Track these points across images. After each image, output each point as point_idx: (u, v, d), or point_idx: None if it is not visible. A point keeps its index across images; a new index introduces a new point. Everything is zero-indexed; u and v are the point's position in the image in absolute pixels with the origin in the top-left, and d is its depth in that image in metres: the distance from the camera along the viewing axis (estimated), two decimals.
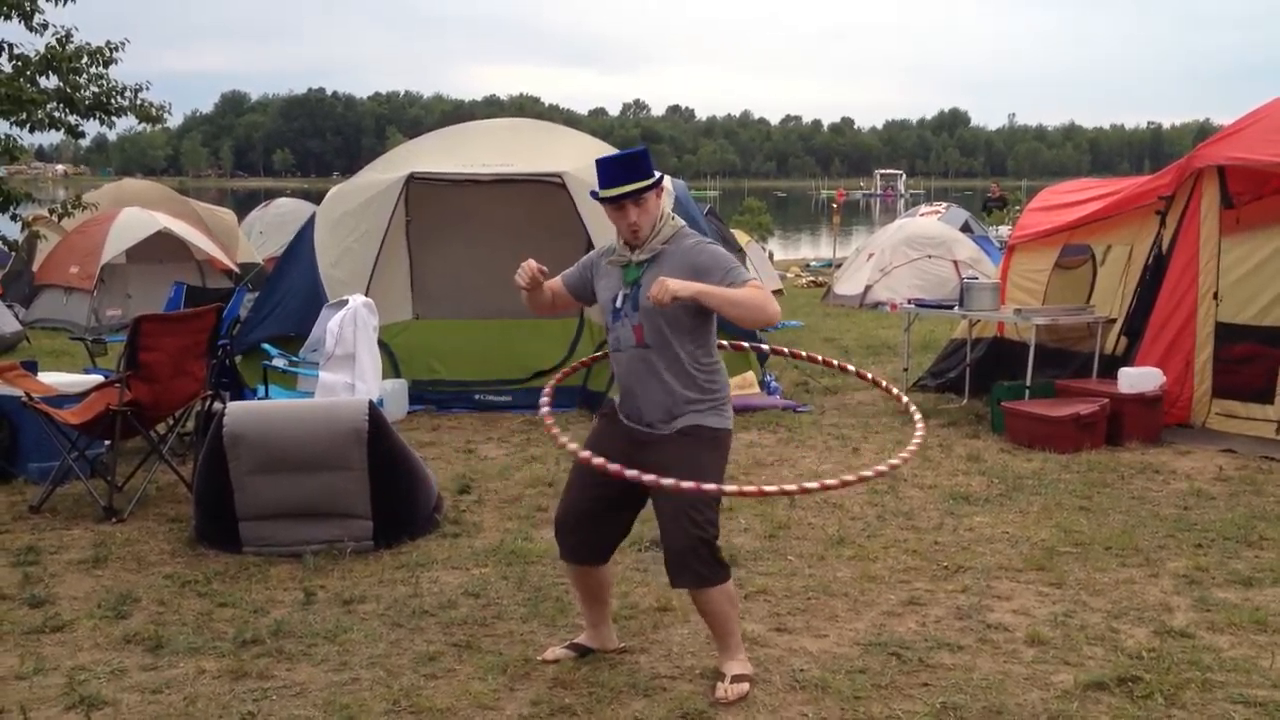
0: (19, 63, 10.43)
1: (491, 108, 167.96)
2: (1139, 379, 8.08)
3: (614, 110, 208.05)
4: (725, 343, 4.53)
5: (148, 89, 11.35)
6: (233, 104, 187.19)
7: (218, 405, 6.84)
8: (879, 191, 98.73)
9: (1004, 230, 22.09)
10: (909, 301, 11.09)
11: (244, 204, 31.97)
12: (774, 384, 9.85)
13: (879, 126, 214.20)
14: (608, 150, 8.54)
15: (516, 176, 9.52)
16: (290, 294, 9.36)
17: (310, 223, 9.96)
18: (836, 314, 16.53)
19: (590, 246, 7.65)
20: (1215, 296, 8.28)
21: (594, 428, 4.38)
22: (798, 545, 5.86)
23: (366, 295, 8.43)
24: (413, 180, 9.47)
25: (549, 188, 9.35)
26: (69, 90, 10.66)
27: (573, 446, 3.95)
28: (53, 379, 7.36)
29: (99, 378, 7.34)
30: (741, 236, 18.76)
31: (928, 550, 5.76)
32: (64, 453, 6.52)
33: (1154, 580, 5.32)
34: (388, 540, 5.75)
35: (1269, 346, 8.03)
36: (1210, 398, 8.28)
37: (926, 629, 4.73)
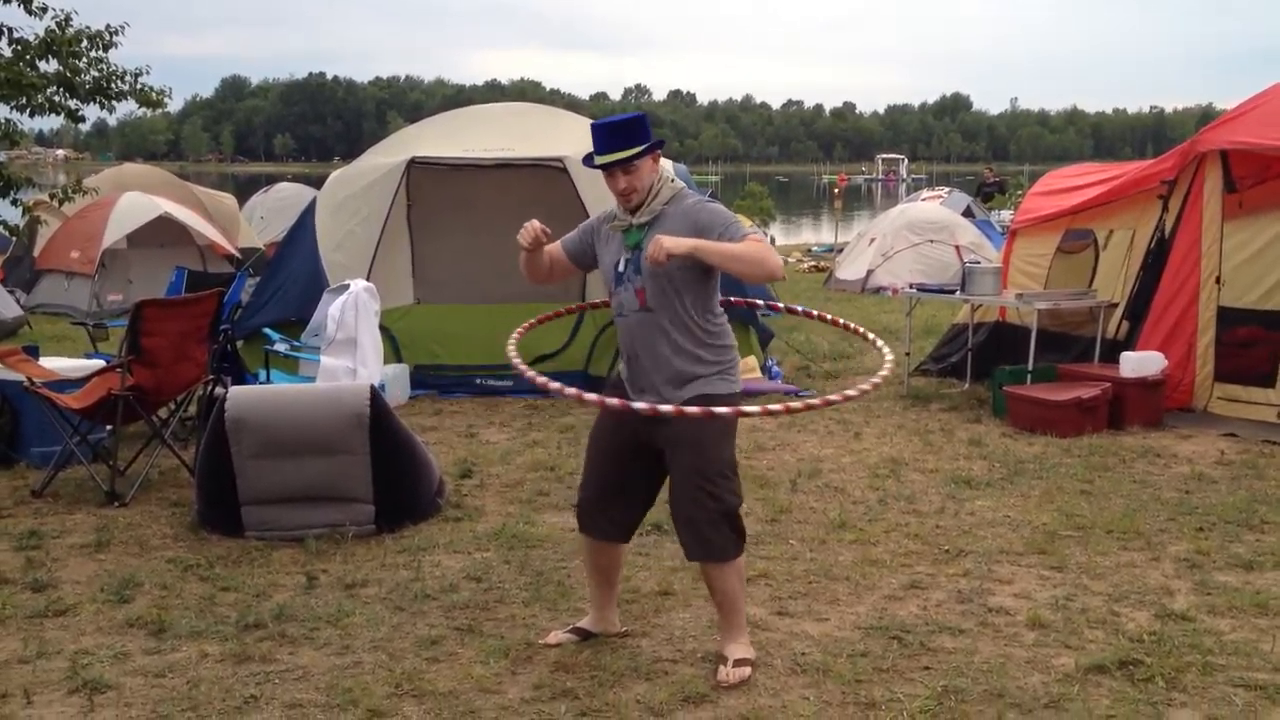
0: (18, 46, 10.39)
1: (493, 92, 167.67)
2: (1141, 363, 8.07)
3: (615, 95, 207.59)
4: (732, 299, 4.53)
5: (148, 73, 11.31)
6: (233, 88, 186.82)
7: (219, 390, 6.84)
8: (881, 176, 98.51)
9: (1006, 215, 22.05)
10: (911, 286, 11.08)
11: (245, 189, 31.93)
12: (775, 368, 9.84)
13: (881, 111, 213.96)
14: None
15: (518, 161, 9.50)
16: (291, 279, 9.36)
17: (311, 207, 9.95)
18: (838, 299, 16.51)
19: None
20: (1217, 280, 8.27)
21: (602, 412, 4.37)
22: (799, 529, 5.86)
23: (368, 280, 8.42)
24: (414, 165, 9.45)
25: (550, 172, 9.33)
26: (69, 74, 10.62)
27: (557, 385, 3.88)
28: (54, 364, 7.36)
29: (101, 362, 7.34)
30: (744, 221, 18.69)
31: (929, 534, 5.77)
32: (66, 437, 6.53)
33: (1155, 564, 5.33)
34: (390, 524, 5.75)
35: (1271, 330, 8.02)
36: (1212, 382, 8.28)
37: (928, 612, 4.73)
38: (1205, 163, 8.33)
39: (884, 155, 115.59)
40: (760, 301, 5.22)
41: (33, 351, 7.60)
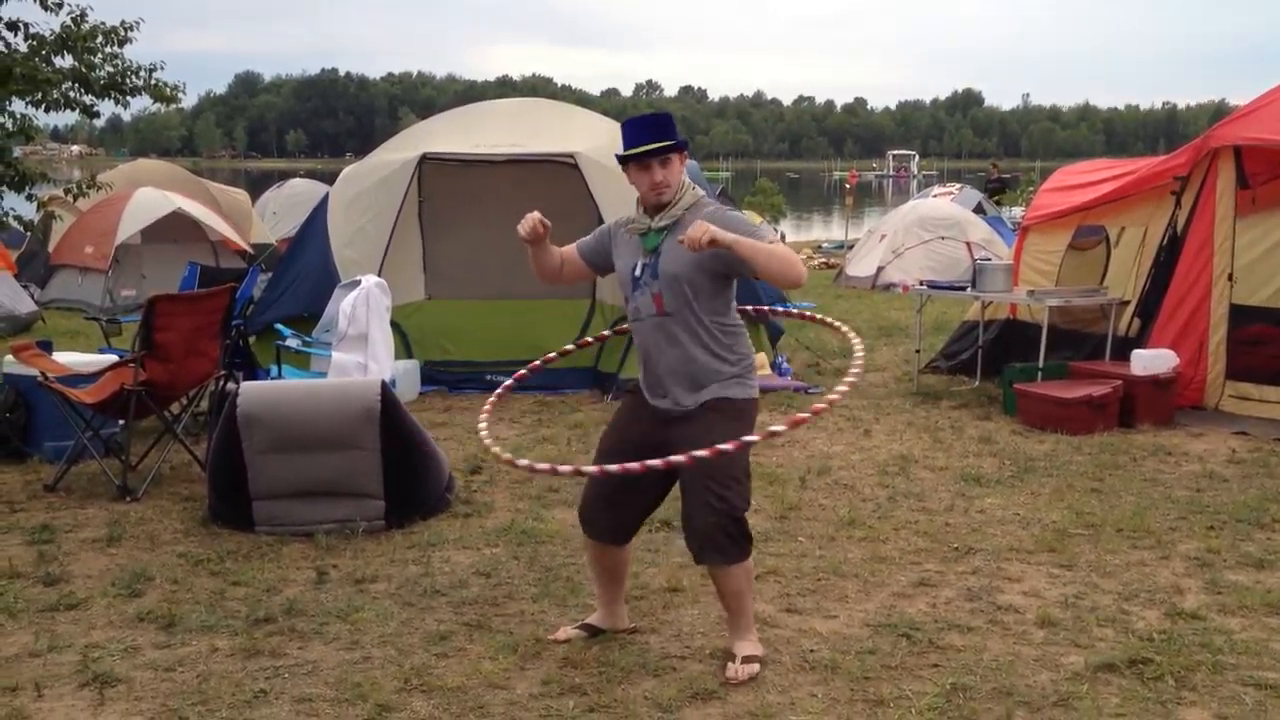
0: (34, 42, 10.42)
1: (504, 88, 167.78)
2: (1152, 361, 8.05)
3: (626, 91, 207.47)
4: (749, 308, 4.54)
5: (162, 69, 11.32)
6: (246, 85, 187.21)
7: (231, 385, 6.86)
8: (892, 172, 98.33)
9: (1017, 211, 21.99)
10: (921, 283, 11.05)
11: (258, 185, 32.00)
12: (785, 365, 9.84)
13: (892, 107, 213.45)
14: (620, 130, 8.52)
15: (529, 157, 9.50)
16: (303, 274, 9.38)
17: (323, 203, 9.97)
18: (849, 295, 16.49)
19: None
20: (1230, 278, 8.23)
21: (618, 410, 4.40)
22: (808, 526, 5.86)
23: (379, 276, 8.44)
24: (425, 161, 9.47)
25: (562, 168, 9.34)
26: (84, 70, 10.63)
27: (522, 462, 4.03)
28: (68, 359, 7.39)
29: (113, 357, 7.37)
30: (754, 218, 18.70)
31: (938, 532, 5.76)
32: (79, 432, 6.56)
33: (1165, 562, 5.31)
34: (399, 520, 5.77)
35: None
36: (1224, 380, 8.25)
37: (937, 610, 4.73)
38: (1218, 159, 8.29)
39: (895, 151, 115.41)
40: (749, 308, 5.12)
41: (46, 346, 7.62)
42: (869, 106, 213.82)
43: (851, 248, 20.45)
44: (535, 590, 4.96)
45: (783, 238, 23.64)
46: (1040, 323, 8.73)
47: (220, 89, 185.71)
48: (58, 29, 10.49)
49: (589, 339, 5.06)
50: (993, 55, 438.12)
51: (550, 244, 4.25)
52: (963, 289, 9.68)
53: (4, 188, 9.76)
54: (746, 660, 4.13)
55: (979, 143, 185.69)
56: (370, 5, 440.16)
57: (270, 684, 4.05)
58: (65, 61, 10.72)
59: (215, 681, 4.07)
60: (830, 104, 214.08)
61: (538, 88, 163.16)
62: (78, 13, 10.55)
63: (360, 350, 7.73)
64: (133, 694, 3.99)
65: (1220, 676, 4.09)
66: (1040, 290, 9.02)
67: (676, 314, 4.06)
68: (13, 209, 10.10)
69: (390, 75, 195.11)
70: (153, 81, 11.26)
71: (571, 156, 9.24)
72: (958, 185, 24.41)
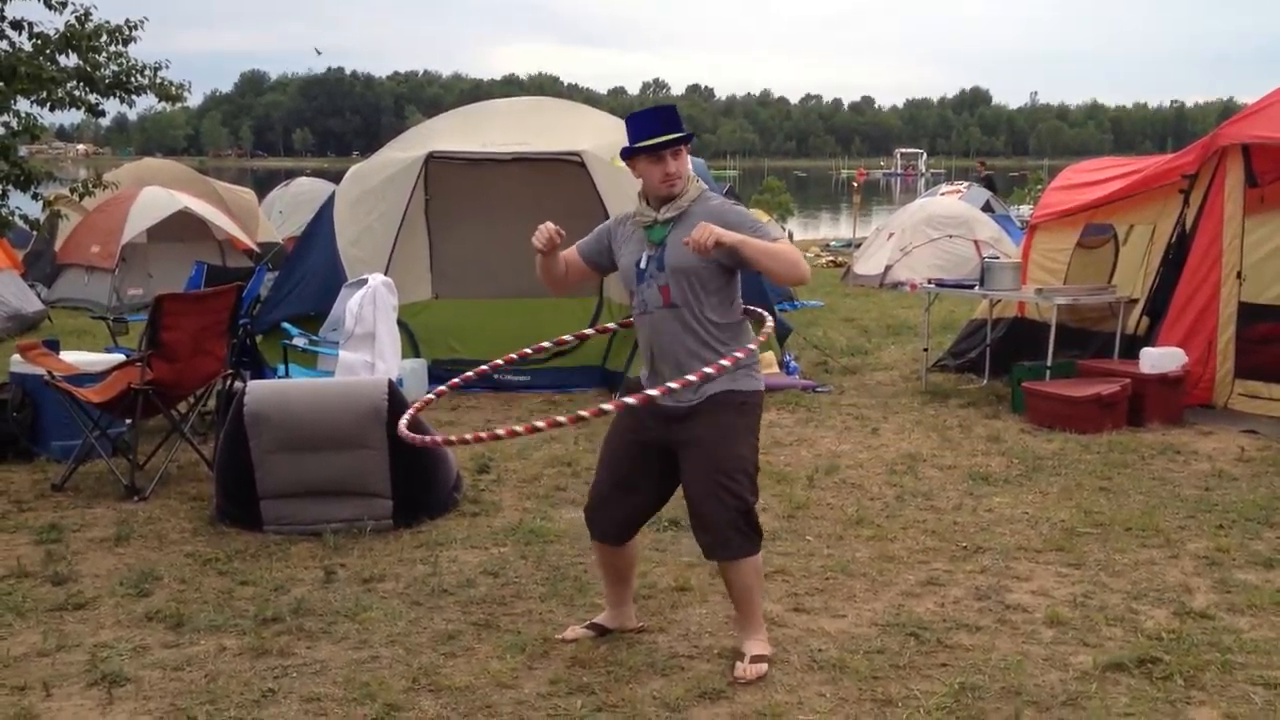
0: (39, 41, 10.43)
1: (510, 87, 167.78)
2: (1161, 359, 8.02)
3: (633, 89, 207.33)
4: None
5: (167, 68, 11.33)
6: (252, 84, 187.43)
7: (238, 384, 6.86)
8: (899, 171, 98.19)
9: (1025, 209, 21.93)
10: (929, 281, 11.03)
11: (264, 183, 32.03)
12: (793, 364, 9.83)
13: (900, 105, 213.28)
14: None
15: (535, 155, 9.50)
16: (310, 273, 9.38)
17: (330, 202, 9.97)
18: (856, 294, 16.47)
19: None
20: (1238, 276, 8.21)
21: (618, 415, 4.36)
22: (816, 525, 5.85)
23: (386, 274, 8.43)
24: (432, 159, 9.47)
25: (568, 167, 9.33)
26: (89, 69, 10.65)
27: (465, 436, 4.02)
28: (75, 358, 7.40)
29: (120, 357, 7.38)
30: (761, 216, 18.57)
31: (947, 531, 5.75)
32: (86, 431, 6.57)
33: (1174, 561, 5.30)
34: (407, 519, 5.77)
35: None
36: (1232, 378, 8.22)
37: (945, 609, 4.72)
38: (1226, 157, 8.27)
39: (903, 150, 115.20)
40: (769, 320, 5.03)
41: (53, 345, 7.63)
42: (876, 105, 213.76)
43: (859, 246, 20.40)
44: (543, 590, 4.96)
45: (790, 236, 23.61)
46: (1048, 321, 8.71)
47: (226, 88, 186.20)
48: (62, 28, 10.50)
49: (588, 331, 4.98)
50: (1000, 54, 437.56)
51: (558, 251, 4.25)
52: (971, 287, 9.66)
53: (10, 187, 9.78)
54: (755, 659, 4.12)
55: (987, 141, 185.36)
56: (376, 5, 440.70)
57: (278, 683, 4.05)
58: (70, 60, 10.73)
59: (223, 681, 4.07)
60: (838, 102, 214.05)
61: (544, 86, 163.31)
62: (82, 11, 10.56)
63: (367, 349, 7.72)
64: (141, 693, 4.00)
65: (1229, 676, 4.08)
66: (1048, 288, 9.00)
67: (684, 306, 4.05)
68: (18, 208, 10.12)
69: (396, 74, 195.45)
70: (158, 80, 11.27)
71: (578, 155, 9.23)
72: (965, 183, 24.35)
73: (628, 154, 4.13)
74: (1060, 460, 7.07)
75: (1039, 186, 23.53)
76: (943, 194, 21.72)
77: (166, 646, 4.38)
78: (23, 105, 10.56)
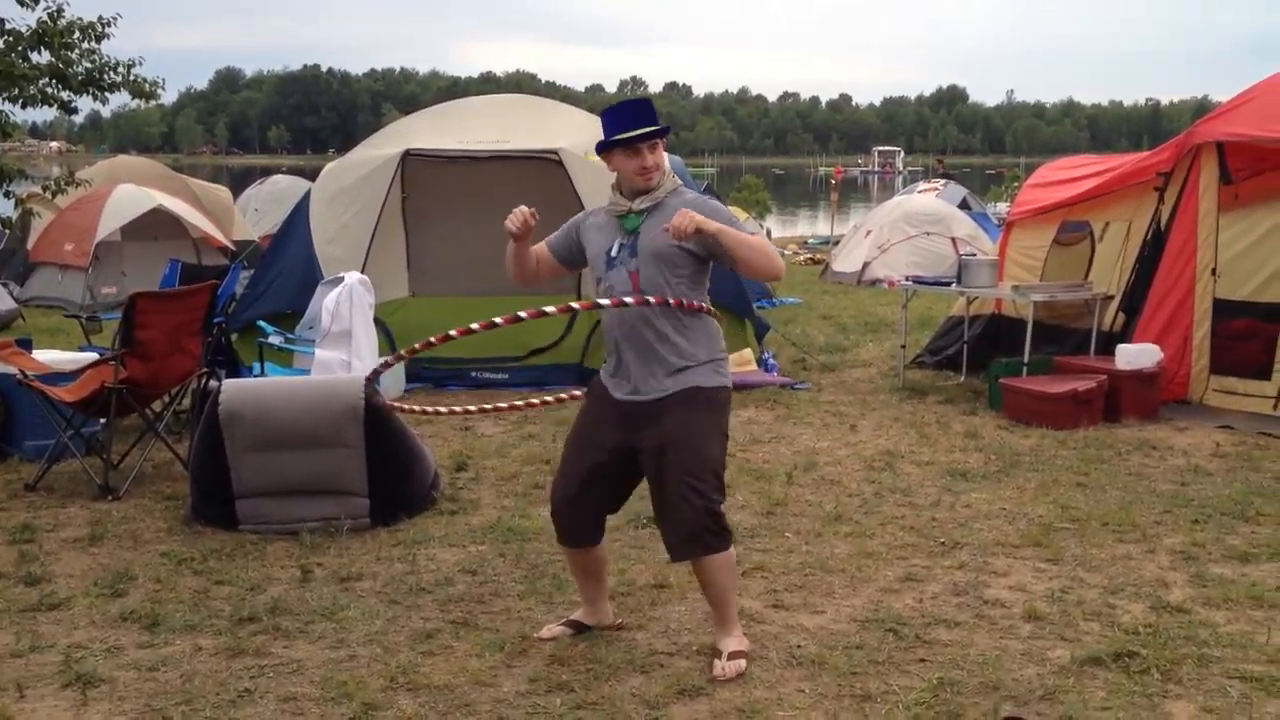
0: (10, 37, 10.36)
1: (488, 84, 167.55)
2: (1137, 355, 8.07)
3: (611, 87, 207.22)
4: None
5: (140, 65, 11.28)
6: (227, 81, 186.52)
7: (213, 383, 6.82)
8: (877, 168, 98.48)
9: (1001, 207, 22.03)
10: (907, 278, 11.06)
11: (239, 181, 31.89)
12: (771, 361, 9.83)
13: (877, 103, 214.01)
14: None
15: (513, 153, 9.47)
16: (286, 271, 9.33)
17: (306, 200, 9.92)
18: (834, 291, 16.51)
19: None
20: (1213, 272, 8.26)
21: (583, 407, 4.32)
22: (795, 522, 5.85)
23: (362, 272, 8.39)
24: (408, 157, 9.43)
25: (545, 164, 9.31)
26: (61, 66, 10.59)
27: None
28: (48, 357, 7.34)
29: (94, 355, 7.32)
30: (739, 214, 18.69)
31: (925, 526, 5.76)
32: (59, 431, 6.51)
33: (1151, 556, 5.32)
34: (384, 518, 5.74)
35: (1266, 322, 8.02)
36: (1208, 374, 8.27)
37: (923, 605, 4.73)
38: (1201, 155, 8.32)
39: (880, 148, 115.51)
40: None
41: (26, 344, 7.57)
42: (854, 103, 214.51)
43: (837, 243, 20.46)
44: (521, 588, 4.94)
45: (769, 234, 23.64)
46: (1025, 318, 8.74)
47: (201, 85, 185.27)
48: (34, 25, 10.43)
49: (549, 309, 4.47)
50: (977, 52, 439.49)
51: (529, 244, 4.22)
52: (948, 284, 9.69)
53: None
54: (733, 656, 4.11)
55: (963, 139, 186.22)
56: (353, 1, 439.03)
57: (255, 683, 4.02)
58: (42, 57, 10.66)
59: (199, 681, 4.04)
60: (815, 100, 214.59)
61: (521, 84, 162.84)
62: (54, 8, 10.49)
63: (344, 347, 7.69)
64: (116, 694, 3.96)
65: (1206, 670, 4.10)
66: (1025, 285, 9.03)
67: (651, 292, 4.01)
68: None
69: (373, 71, 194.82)
70: (131, 77, 11.20)
71: (555, 153, 9.21)
72: (943, 181, 24.44)
73: (603, 148, 4.12)
74: (1037, 456, 7.10)
75: (1015, 184, 23.62)
76: (920, 192, 21.78)
77: (141, 647, 4.35)
78: None
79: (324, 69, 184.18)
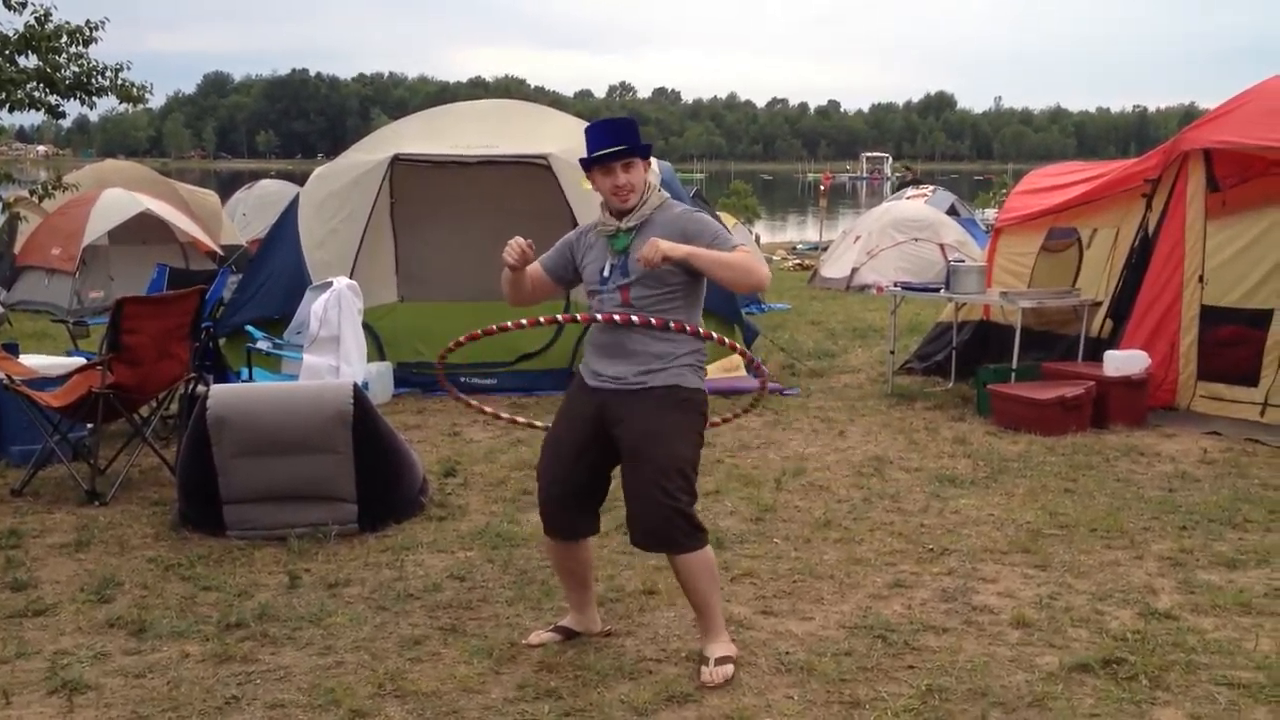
0: None
1: (476, 89, 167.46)
2: (1124, 362, 8.09)
3: (600, 92, 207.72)
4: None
5: (128, 69, 11.26)
6: (215, 85, 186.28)
7: (201, 388, 6.79)
8: (865, 174, 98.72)
9: (990, 213, 22.10)
10: (895, 284, 11.09)
11: (227, 185, 31.78)
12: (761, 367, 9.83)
13: (865, 109, 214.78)
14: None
15: (502, 158, 9.47)
16: (274, 276, 9.30)
17: (294, 204, 9.89)
18: (823, 296, 16.53)
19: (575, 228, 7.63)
20: (1201, 279, 8.29)
21: (564, 398, 4.35)
22: (784, 528, 5.85)
23: (351, 277, 8.39)
24: (397, 162, 9.42)
25: (534, 169, 9.31)
26: (48, 70, 10.57)
27: None
28: (34, 361, 7.31)
29: (81, 360, 7.29)
30: (728, 219, 18.73)
31: (913, 533, 5.76)
32: (46, 436, 6.48)
33: (1138, 562, 5.33)
34: (373, 523, 5.72)
35: (1254, 329, 8.04)
36: (1195, 380, 8.30)
37: (912, 611, 4.73)
38: (1188, 162, 8.35)
39: (869, 154, 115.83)
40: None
41: (13, 349, 7.54)
42: (842, 109, 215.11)
43: (826, 249, 20.50)
44: (510, 594, 4.93)
45: (757, 239, 23.65)
46: (1013, 324, 8.76)
47: (190, 89, 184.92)
48: (21, 29, 10.40)
49: (540, 319, 4.34)
50: (965, 58, 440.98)
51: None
52: (936, 290, 9.71)
53: None
54: (720, 661, 4.10)
55: (952, 145, 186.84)
56: (341, 6, 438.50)
57: (242, 690, 4.00)
58: (29, 61, 10.63)
59: (186, 688, 4.02)
60: (804, 106, 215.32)
61: (511, 89, 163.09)
62: (42, 12, 10.47)
63: (332, 352, 7.68)
64: (102, 701, 3.94)
65: (1194, 676, 4.10)
66: (1013, 292, 9.06)
67: (640, 308, 4.03)
68: None
69: (362, 76, 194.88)
70: (119, 81, 11.18)
71: (544, 158, 9.21)
72: (931, 187, 24.52)
73: (584, 166, 4.14)
74: (1025, 462, 7.12)
75: (1004, 190, 23.70)
76: (909, 198, 21.85)
77: (128, 653, 4.33)
78: None
79: (312, 73, 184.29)
